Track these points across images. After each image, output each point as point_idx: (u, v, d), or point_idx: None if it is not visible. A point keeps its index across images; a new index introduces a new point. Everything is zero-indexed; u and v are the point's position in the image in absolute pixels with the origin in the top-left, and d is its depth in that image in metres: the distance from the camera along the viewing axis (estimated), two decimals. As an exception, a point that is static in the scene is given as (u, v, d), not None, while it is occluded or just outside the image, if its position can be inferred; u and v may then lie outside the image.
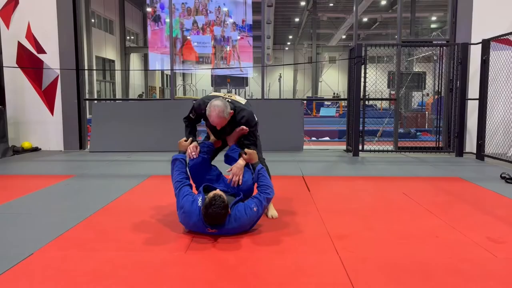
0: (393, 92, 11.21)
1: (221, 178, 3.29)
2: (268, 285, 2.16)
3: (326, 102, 22.69)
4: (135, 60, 28.14)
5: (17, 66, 7.33)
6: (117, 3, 24.60)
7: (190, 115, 3.33)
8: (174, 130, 7.47)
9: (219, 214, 2.71)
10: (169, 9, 8.10)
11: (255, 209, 2.87)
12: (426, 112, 13.99)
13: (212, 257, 2.53)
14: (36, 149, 7.48)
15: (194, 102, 3.39)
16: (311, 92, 30.92)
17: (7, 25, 7.30)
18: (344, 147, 7.69)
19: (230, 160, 3.29)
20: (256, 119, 3.29)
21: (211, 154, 3.39)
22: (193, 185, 3.17)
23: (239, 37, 18.74)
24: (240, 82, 20.23)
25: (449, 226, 3.12)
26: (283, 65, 31.80)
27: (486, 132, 6.42)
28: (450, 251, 2.63)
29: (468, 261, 2.48)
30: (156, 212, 3.51)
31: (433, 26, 28.09)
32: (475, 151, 6.69)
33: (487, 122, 6.44)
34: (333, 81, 32.94)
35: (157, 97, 29.80)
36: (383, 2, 23.38)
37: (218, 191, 2.83)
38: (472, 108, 6.87)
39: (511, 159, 5.91)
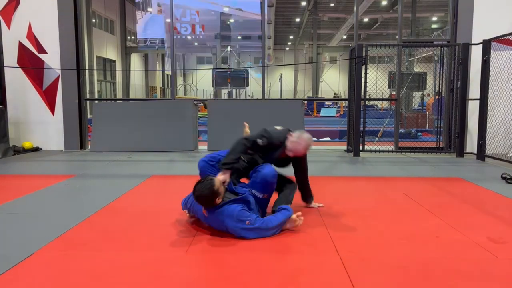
0: (393, 93, 11.20)
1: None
2: (268, 285, 2.16)
3: (326, 102, 22.68)
4: (135, 60, 28.16)
5: (18, 66, 7.34)
6: (118, 3, 24.62)
7: (259, 140, 3.17)
8: (174, 130, 7.49)
9: (201, 195, 2.75)
10: (170, 9, 8.10)
11: (247, 222, 2.75)
12: (427, 113, 13.99)
13: (213, 257, 2.53)
14: (36, 149, 7.48)
15: (268, 132, 3.23)
16: (311, 92, 30.90)
17: (8, 25, 7.31)
18: (345, 147, 7.69)
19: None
20: None
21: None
22: None
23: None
24: (241, 82, 20.23)
25: (450, 226, 3.12)
26: (283, 65, 31.78)
27: (487, 132, 6.41)
28: (450, 251, 2.63)
29: (469, 261, 2.48)
30: (156, 212, 3.51)
31: (434, 26, 28.07)
32: (475, 152, 6.68)
33: (488, 122, 6.43)
34: (334, 81, 32.92)
35: (158, 97, 29.82)
36: (384, 3, 23.37)
37: (214, 177, 2.85)
38: (473, 109, 6.87)
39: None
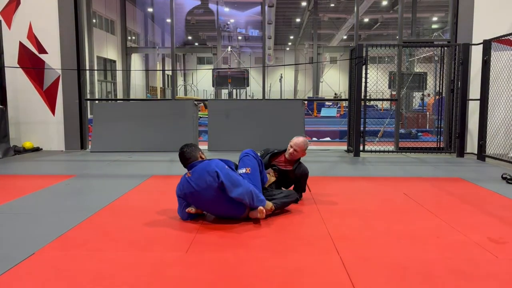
0: (394, 93, 11.20)
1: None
2: (268, 285, 2.16)
3: (327, 103, 22.66)
4: (136, 60, 28.16)
5: (18, 66, 7.35)
6: (118, 3, 24.62)
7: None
8: (175, 130, 7.49)
9: (185, 148, 3.25)
10: (170, 9, 8.10)
11: (227, 167, 3.09)
12: (427, 113, 13.99)
13: (213, 257, 2.53)
14: (37, 149, 7.49)
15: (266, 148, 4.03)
16: (312, 92, 30.89)
17: (9, 25, 7.31)
18: (345, 147, 7.69)
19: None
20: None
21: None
22: None
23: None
24: (241, 82, 20.22)
25: (450, 227, 3.12)
26: (284, 65, 31.78)
27: (487, 132, 6.41)
28: (450, 252, 2.63)
29: (469, 261, 2.48)
30: (157, 212, 3.51)
31: (434, 26, 28.07)
32: (476, 152, 6.68)
33: (488, 122, 6.43)
34: (334, 81, 32.90)
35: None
36: (384, 3, 23.37)
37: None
38: (473, 109, 6.87)
39: (512, 159, 5.90)
